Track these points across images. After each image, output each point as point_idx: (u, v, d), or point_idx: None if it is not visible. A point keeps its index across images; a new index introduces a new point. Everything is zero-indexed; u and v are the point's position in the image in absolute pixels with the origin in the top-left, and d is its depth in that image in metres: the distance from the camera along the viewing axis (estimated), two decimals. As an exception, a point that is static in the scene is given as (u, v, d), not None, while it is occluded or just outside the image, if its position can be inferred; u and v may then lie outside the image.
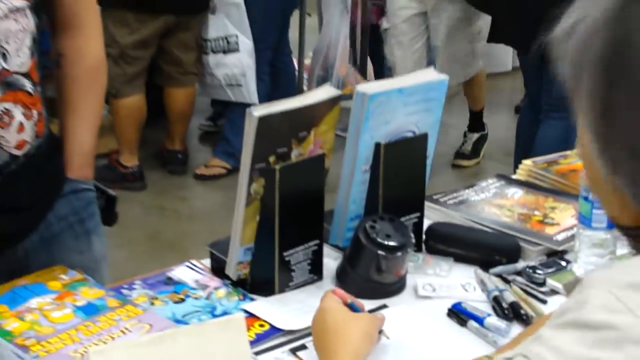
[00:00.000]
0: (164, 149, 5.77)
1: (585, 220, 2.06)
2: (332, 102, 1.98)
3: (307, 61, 6.51)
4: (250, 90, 5.51)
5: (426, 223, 2.24)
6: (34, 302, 1.82)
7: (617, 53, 1.10)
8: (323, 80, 6.19)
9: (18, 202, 1.98)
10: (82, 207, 2.14)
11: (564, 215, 2.33)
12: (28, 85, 1.92)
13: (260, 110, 1.85)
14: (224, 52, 5.47)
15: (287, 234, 1.96)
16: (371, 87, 2.03)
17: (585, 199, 2.06)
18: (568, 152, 2.70)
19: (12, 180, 1.93)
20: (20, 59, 1.89)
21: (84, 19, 2.13)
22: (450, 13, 5.31)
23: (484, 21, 5.34)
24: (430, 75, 2.16)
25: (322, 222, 2.06)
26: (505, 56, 7.80)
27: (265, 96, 5.53)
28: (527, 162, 2.65)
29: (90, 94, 2.16)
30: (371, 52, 6.30)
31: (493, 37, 5.01)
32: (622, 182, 1.14)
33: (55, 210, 2.08)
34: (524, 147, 4.78)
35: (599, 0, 1.13)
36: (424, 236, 2.21)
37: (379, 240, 1.96)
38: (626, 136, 1.11)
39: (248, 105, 5.17)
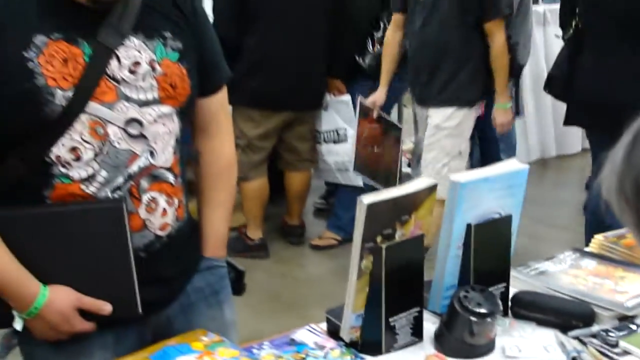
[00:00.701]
0: (284, 224, 5.81)
1: (652, 289, 2.02)
2: (430, 190, 1.98)
3: (405, 147, 6.51)
4: (356, 175, 5.52)
5: (512, 291, 2.20)
6: (180, 361, 1.84)
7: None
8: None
9: (162, 276, 2.01)
10: (216, 281, 2.16)
11: (633, 284, 2.28)
12: (171, 177, 1.96)
13: (369, 199, 1.86)
14: (334, 142, 5.50)
15: (392, 302, 1.96)
16: (463, 176, 2.03)
17: (652, 270, 2.02)
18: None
19: (156, 257, 1.96)
20: (165, 156, 1.94)
21: (219, 123, 2.17)
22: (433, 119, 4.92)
23: (467, 145, 4.98)
24: (512, 165, 2.14)
25: (422, 292, 2.05)
26: (575, 139, 7.72)
27: (370, 178, 5.54)
28: (598, 237, 2.61)
29: (223, 188, 2.19)
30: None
31: (568, 121, 4.92)
32: None
33: (192, 283, 2.11)
34: (593, 221, 4.69)
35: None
36: (509, 303, 2.18)
37: (472, 308, 1.95)
38: None
39: (355, 187, 5.26)
